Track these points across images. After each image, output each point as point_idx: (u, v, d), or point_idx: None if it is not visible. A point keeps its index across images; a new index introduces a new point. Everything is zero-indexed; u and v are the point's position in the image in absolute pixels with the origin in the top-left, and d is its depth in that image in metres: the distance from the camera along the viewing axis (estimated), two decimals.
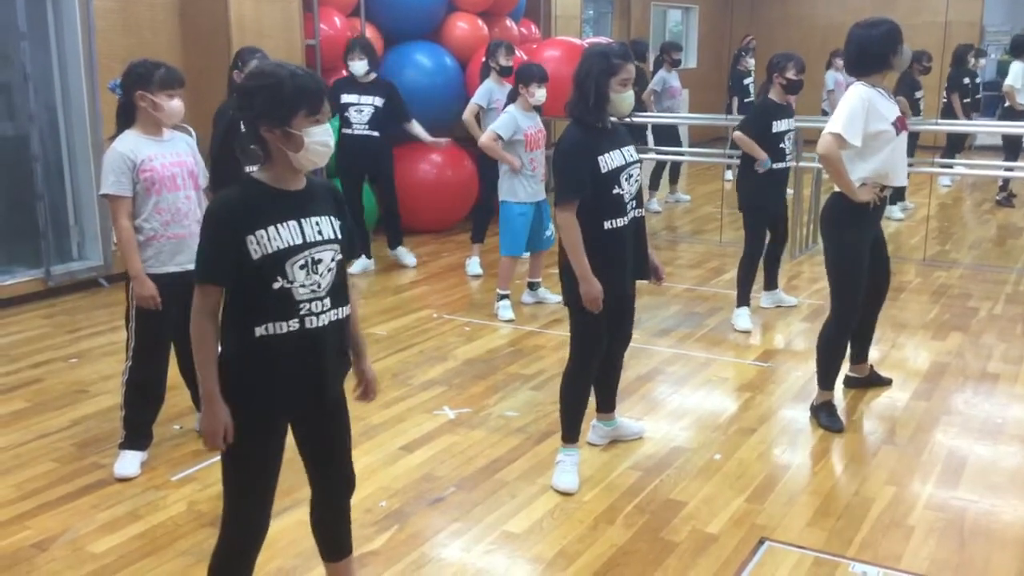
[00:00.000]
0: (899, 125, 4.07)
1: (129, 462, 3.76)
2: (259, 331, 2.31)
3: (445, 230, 8.44)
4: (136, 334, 3.73)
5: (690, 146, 10.60)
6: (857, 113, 3.93)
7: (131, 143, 3.62)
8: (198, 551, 3.17)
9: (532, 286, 6.25)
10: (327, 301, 2.38)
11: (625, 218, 3.59)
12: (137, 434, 3.82)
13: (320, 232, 2.35)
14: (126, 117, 3.67)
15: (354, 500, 2.75)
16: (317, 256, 2.34)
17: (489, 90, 6.89)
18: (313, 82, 2.31)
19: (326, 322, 2.38)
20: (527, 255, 6.13)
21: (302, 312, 2.33)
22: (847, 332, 4.29)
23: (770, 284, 6.14)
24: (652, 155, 10.16)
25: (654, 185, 10.02)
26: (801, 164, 7.72)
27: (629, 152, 3.63)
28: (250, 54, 4.60)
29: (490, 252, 6.93)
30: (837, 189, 4.15)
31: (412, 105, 8.25)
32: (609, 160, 3.53)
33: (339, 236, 2.41)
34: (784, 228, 6.10)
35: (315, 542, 2.74)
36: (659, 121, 9.78)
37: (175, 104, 3.62)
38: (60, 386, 4.76)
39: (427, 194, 8.20)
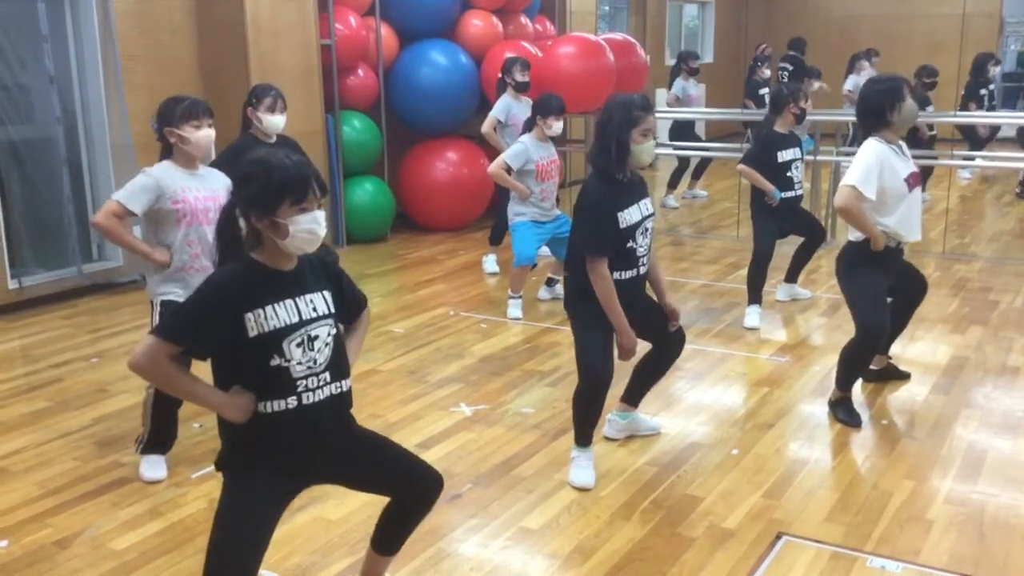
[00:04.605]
0: (912, 181, 4.10)
1: (157, 465, 3.77)
2: (258, 407, 2.35)
3: (462, 228, 8.46)
4: None
5: (706, 141, 10.56)
6: (872, 168, 3.97)
7: (165, 172, 3.62)
8: None
9: (550, 282, 6.25)
10: (326, 376, 2.41)
11: (634, 271, 3.65)
12: (161, 439, 3.83)
13: (315, 309, 2.39)
14: (165, 155, 3.69)
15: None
16: (313, 333, 2.37)
17: (507, 105, 6.92)
18: (298, 171, 2.33)
19: (323, 397, 2.41)
20: (545, 255, 6.11)
21: (299, 389, 2.36)
22: (872, 353, 4.30)
23: (791, 277, 6.12)
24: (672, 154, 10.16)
25: (673, 184, 10.00)
26: (819, 158, 7.70)
27: (646, 206, 3.67)
28: (264, 92, 4.49)
29: (506, 250, 6.93)
30: (851, 239, 4.18)
31: (428, 103, 8.34)
32: (628, 216, 3.58)
33: (332, 310, 2.44)
34: (819, 227, 6.10)
35: (377, 533, 2.73)
36: (680, 117, 9.77)
37: (201, 135, 3.61)
38: (81, 385, 4.81)
39: (443, 192, 8.24)
